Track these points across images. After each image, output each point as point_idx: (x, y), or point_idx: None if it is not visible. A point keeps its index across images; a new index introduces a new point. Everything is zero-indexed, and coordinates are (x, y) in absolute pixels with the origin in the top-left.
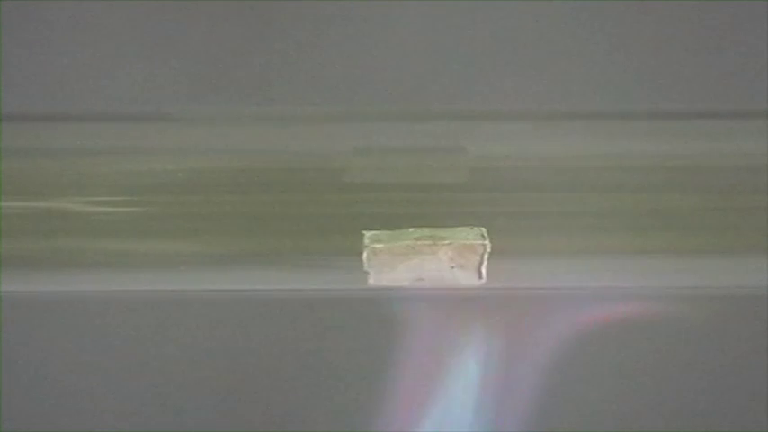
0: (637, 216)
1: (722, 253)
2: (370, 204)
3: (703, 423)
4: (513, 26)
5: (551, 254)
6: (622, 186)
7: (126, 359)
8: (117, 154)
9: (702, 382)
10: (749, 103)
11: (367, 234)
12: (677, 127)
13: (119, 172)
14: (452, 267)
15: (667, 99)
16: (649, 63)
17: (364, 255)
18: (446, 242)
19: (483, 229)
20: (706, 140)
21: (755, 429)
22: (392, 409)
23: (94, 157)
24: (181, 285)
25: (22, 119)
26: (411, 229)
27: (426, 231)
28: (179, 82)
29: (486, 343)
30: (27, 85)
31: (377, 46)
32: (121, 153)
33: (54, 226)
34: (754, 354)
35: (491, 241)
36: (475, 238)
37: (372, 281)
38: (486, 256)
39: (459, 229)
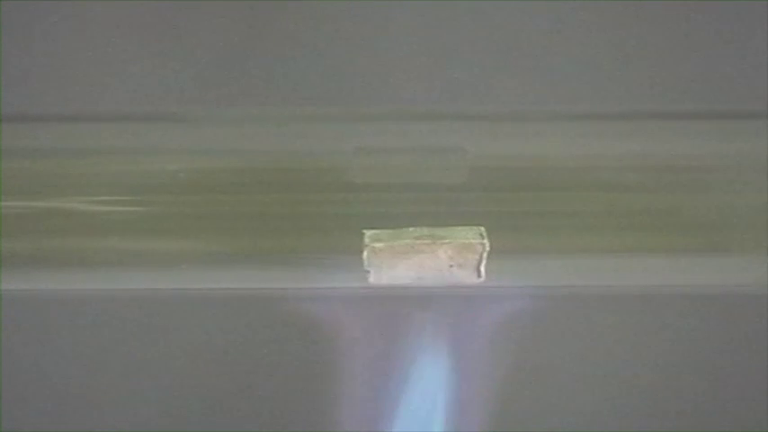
0: (635, 216)
1: (722, 252)
2: (370, 204)
3: (703, 423)
4: (512, 27)
5: (550, 253)
6: (621, 186)
7: (128, 358)
8: (119, 154)
9: (702, 382)
10: (749, 103)
11: (367, 233)
12: (676, 127)
13: (121, 172)
14: (451, 266)
15: (667, 100)
16: (649, 64)
17: (365, 254)
18: (445, 241)
19: (482, 228)
20: (706, 141)
21: (755, 429)
22: (392, 408)
23: (96, 157)
24: (183, 284)
25: (25, 119)
26: (411, 229)
27: (426, 231)
28: (181, 82)
29: (485, 342)
30: (30, 86)
31: (378, 47)
32: (123, 153)
33: (57, 225)
34: (753, 353)
35: (490, 240)
36: (474, 237)
37: (372, 279)
38: (484, 255)
39: (458, 228)
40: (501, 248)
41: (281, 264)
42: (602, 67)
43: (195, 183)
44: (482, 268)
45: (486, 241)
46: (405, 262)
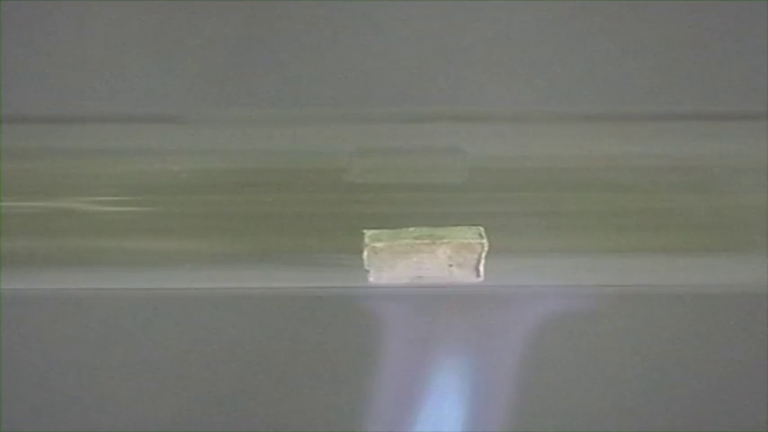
0: (634, 216)
1: (721, 252)
2: (370, 204)
3: (703, 423)
4: (512, 27)
5: (549, 252)
6: (620, 187)
7: (129, 357)
8: (121, 155)
9: (702, 382)
10: (749, 104)
11: (367, 233)
12: (676, 128)
13: (123, 172)
14: (451, 266)
15: (666, 100)
16: (648, 64)
17: (365, 253)
18: (445, 241)
19: (481, 228)
20: (704, 141)
21: (755, 429)
22: (392, 407)
23: (99, 157)
24: (184, 284)
25: (28, 120)
26: (411, 229)
27: (425, 230)
28: (182, 84)
29: (484, 340)
30: (32, 87)
31: (378, 48)
32: (126, 154)
33: (60, 225)
34: (753, 353)
35: (489, 240)
36: (473, 237)
37: (372, 279)
38: (483, 254)
39: (457, 228)
40: (500, 248)
41: (283, 263)
42: (601, 68)
43: (197, 183)
44: (481, 268)
45: (485, 241)
46: (404, 261)
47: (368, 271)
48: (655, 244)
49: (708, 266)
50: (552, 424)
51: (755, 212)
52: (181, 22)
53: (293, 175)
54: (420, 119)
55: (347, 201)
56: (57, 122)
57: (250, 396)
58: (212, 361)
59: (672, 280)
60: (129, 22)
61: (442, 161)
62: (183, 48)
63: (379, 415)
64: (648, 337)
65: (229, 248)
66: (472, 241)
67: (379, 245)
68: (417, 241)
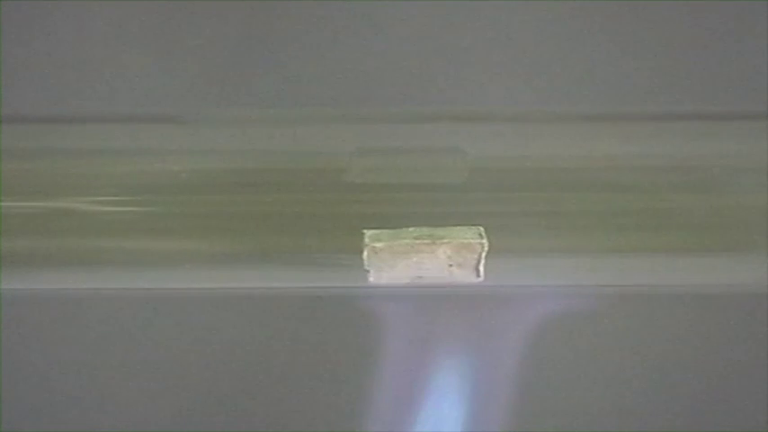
0: (633, 216)
1: (721, 252)
2: (370, 204)
3: (703, 423)
4: (511, 28)
5: (548, 252)
6: (619, 187)
7: (130, 357)
8: (122, 155)
9: (701, 382)
10: (749, 104)
11: (367, 233)
12: (675, 128)
13: (124, 173)
14: (451, 266)
15: (665, 100)
16: (648, 64)
17: (365, 253)
18: (445, 241)
19: (481, 228)
20: (704, 141)
21: (755, 429)
22: (392, 407)
23: (100, 158)
24: (185, 284)
25: (30, 121)
26: (411, 229)
27: (425, 230)
28: (183, 84)
29: (484, 340)
30: (33, 88)
31: (378, 49)
32: (126, 154)
33: (61, 225)
34: (753, 353)
35: (489, 240)
36: (473, 237)
37: (373, 279)
38: (483, 254)
39: (457, 228)
40: (500, 248)
41: (283, 263)
42: (601, 68)
43: (197, 183)
44: (481, 268)
45: (484, 241)
46: (404, 261)
47: (368, 271)
48: (655, 244)
49: (708, 266)
50: (552, 424)
51: (755, 212)
52: (181, 22)
53: (293, 175)
54: (420, 119)
55: (347, 201)
56: (57, 122)
57: (250, 396)
58: (212, 361)
59: (672, 280)
60: (130, 22)
61: (442, 161)
62: (184, 48)
63: (379, 415)
64: (648, 337)
65: (230, 248)
66: (472, 241)
67: (379, 245)
68: (417, 241)
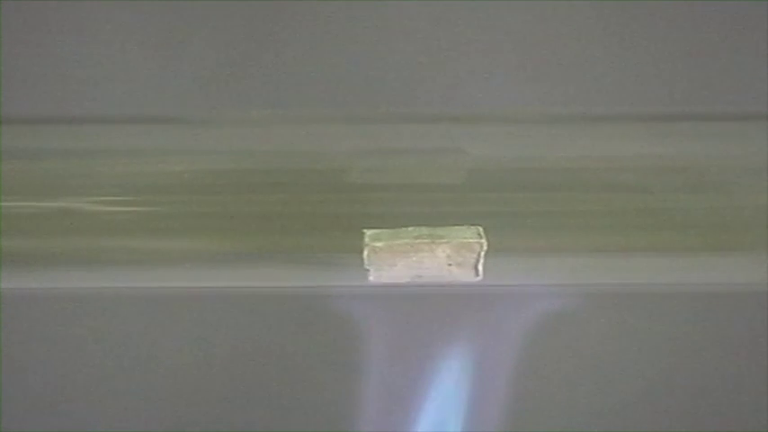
0: (633, 216)
1: (721, 252)
2: (370, 204)
3: (703, 422)
4: (510, 29)
5: (547, 252)
6: (616, 186)
7: (130, 356)
8: (125, 155)
9: (701, 381)
10: (749, 105)
11: (367, 233)
12: (674, 129)
13: (127, 173)
14: (450, 265)
15: (665, 101)
16: (647, 65)
17: (365, 253)
18: (444, 240)
19: (480, 227)
20: (704, 141)
21: (755, 429)
22: (392, 405)
23: (103, 158)
24: (187, 283)
25: (33, 121)
26: (410, 228)
27: (425, 230)
28: (185, 85)
29: (483, 339)
30: (35, 89)
31: (378, 50)
32: (129, 154)
33: (65, 225)
34: (753, 353)
35: (488, 239)
36: (472, 236)
37: (373, 278)
38: (482, 253)
39: (456, 227)
40: (499, 247)
41: (284, 262)
42: (600, 69)
43: (199, 183)
44: (480, 267)
45: (483, 240)
46: (404, 261)
47: (368, 270)
48: (654, 244)
49: (708, 266)
50: (551, 423)
51: (755, 212)
52: (182, 22)
53: (294, 176)
54: (419, 120)
55: (347, 201)
56: (61, 123)
57: (250, 395)
58: (213, 360)
59: (671, 280)
60: (131, 22)
61: (442, 161)
62: (185, 48)
63: (379, 414)
64: (647, 336)
65: (232, 247)
66: (471, 241)
67: (379, 244)
68: (417, 241)
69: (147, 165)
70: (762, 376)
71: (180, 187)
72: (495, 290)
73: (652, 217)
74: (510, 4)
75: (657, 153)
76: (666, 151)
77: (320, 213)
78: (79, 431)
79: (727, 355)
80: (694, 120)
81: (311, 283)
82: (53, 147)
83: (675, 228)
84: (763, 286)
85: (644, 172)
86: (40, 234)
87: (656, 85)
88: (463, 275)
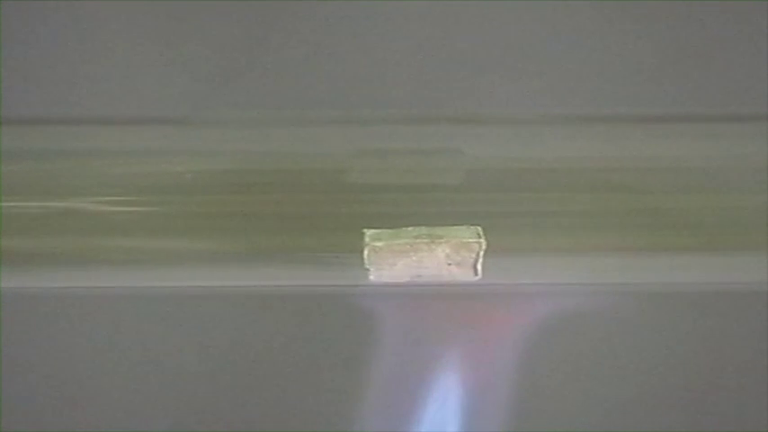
0: (629, 215)
1: (721, 252)
2: (370, 204)
3: (703, 422)
4: (509, 30)
5: (545, 251)
6: (614, 187)
7: (130, 355)
8: (128, 156)
9: (701, 380)
10: (749, 106)
11: (368, 233)
12: (673, 129)
13: (130, 173)
14: (449, 264)
15: (664, 102)
16: (645, 66)
17: (365, 252)
18: (443, 240)
19: (479, 227)
20: (699, 142)
21: (755, 429)
22: (392, 405)
23: (107, 159)
24: (190, 282)
25: (38, 122)
26: (410, 228)
27: (424, 230)
28: (186, 86)
29: (482, 338)
30: (38, 90)
31: (378, 52)
32: (132, 155)
33: (69, 225)
34: (753, 352)
35: (486, 239)
36: (471, 236)
37: (373, 277)
38: (481, 253)
39: (455, 227)
40: (497, 247)
41: (286, 262)
42: (599, 70)
43: (201, 184)
44: (479, 266)
45: (482, 240)
46: (404, 260)
47: (368, 269)
48: (654, 244)
49: (708, 266)
50: (550, 423)
51: (755, 212)
52: (184, 23)
53: (296, 176)
54: (419, 121)
55: (348, 201)
56: (66, 124)
57: (251, 394)
58: (214, 359)
59: (672, 280)
60: (132, 23)
61: (441, 162)
62: (187, 50)
63: (380, 414)
64: (647, 336)
65: (232, 248)
66: (470, 240)
67: (379, 244)
68: (417, 240)
69: (148, 165)
70: (762, 376)
71: (181, 187)
72: (494, 289)
73: (652, 217)
74: (509, 4)
75: (656, 153)
76: (665, 152)
77: (321, 213)
78: (79, 431)
79: (727, 355)
80: (694, 120)
81: (311, 283)
82: (54, 147)
83: (675, 228)
84: (763, 286)
85: (643, 172)
86: (41, 234)
87: (654, 85)
88: (462, 275)
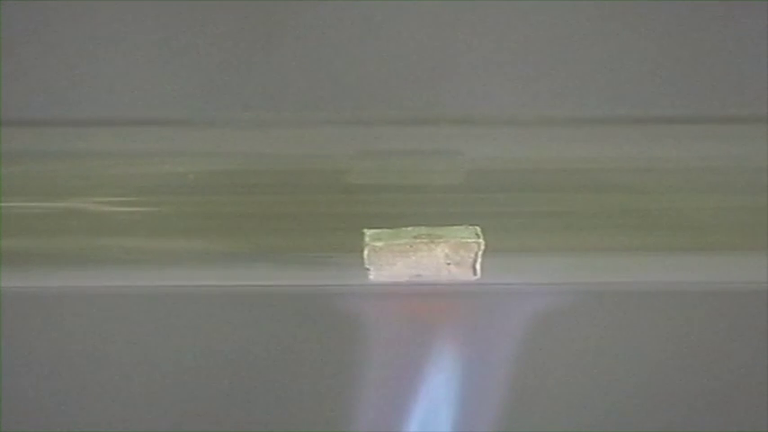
0: (628, 216)
1: (721, 252)
2: (370, 204)
3: (703, 422)
4: (508, 31)
5: (544, 251)
6: (613, 187)
7: (130, 355)
8: (131, 157)
9: (700, 380)
10: (749, 107)
11: (368, 232)
12: (673, 130)
13: (132, 174)
14: (448, 264)
15: (663, 103)
16: (644, 67)
17: (365, 252)
18: (442, 240)
19: (477, 227)
20: (699, 143)
21: (755, 429)
22: (392, 405)
23: (109, 159)
24: (193, 281)
25: (41, 123)
26: (409, 228)
27: (424, 230)
28: (187, 87)
29: (482, 338)
30: (40, 91)
31: (379, 53)
32: (135, 156)
33: (66, 225)
34: (753, 352)
35: (485, 239)
36: (470, 236)
37: (373, 277)
38: (480, 253)
39: (454, 227)
40: (496, 247)
41: (287, 261)
42: (598, 71)
43: (201, 184)
44: (477, 266)
45: (481, 240)
46: (403, 260)
47: (368, 269)
48: (654, 244)
49: (708, 266)
50: (548, 423)
51: (755, 212)
52: (185, 24)
53: (297, 177)
54: (419, 122)
55: (348, 201)
56: (69, 126)
57: (250, 394)
58: (213, 360)
59: (672, 279)
60: (133, 24)
61: (440, 163)
62: (188, 51)
63: (380, 414)
64: (648, 336)
65: (232, 248)
66: (469, 240)
67: (379, 244)
68: (416, 240)
69: (148, 166)
70: (762, 376)
71: (182, 188)
72: (492, 288)
73: (651, 217)
74: (509, 5)
75: (656, 154)
76: (665, 152)
77: (321, 213)
78: (79, 431)
79: (727, 354)
80: (693, 122)
81: (311, 283)
82: (54, 148)
83: (675, 228)
84: (763, 286)
85: (643, 173)
86: (41, 234)
87: (654, 86)
88: (461, 274)
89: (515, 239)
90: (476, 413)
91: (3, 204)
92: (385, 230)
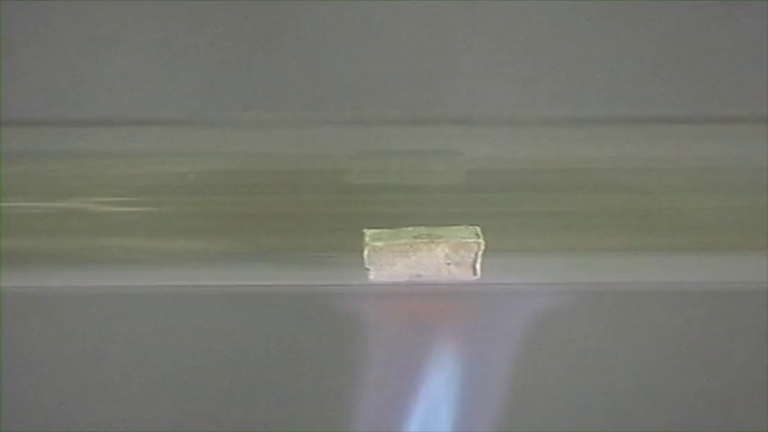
0: (628, 215)
1: (721, 252)
2: (371, 204)
3: (703, 422)
4: (508, 31)
5: (544, 251)
6: (613, 187)
7: (130, 355)
8: (131, 157)
9: (702, 381)
10: (749, 107)
11: (368, 232)
12: (672, 130)
13: (132, 174)
14: (448, 264)
15: (663, 103)
16: (643, 67)
17: (365, 252)
18: (442, 240)
19: (477, 227)
20: (698, 143)
21: (755, 429)
22: (392, 405)
23: (109, 159)
24: (193, 281)
25: (42, 123)
26: (410, 228)
27: (424, 230)
28: (188, 87)
29: (482, 338)
30: (41, 92)
31: (379, 53)
32: (135, 156)
33: (66, 225)
34: (753, 352)
35: (485, 239)
36: (470, 236)
37: (373, 277)
38: (480, 253)
39: (454, 227)
40: (496, 247)
41: (287, 261)
42: (598, 71)
43: (201, 184)
44: (477, 266)
45: (481, 240)
46: (403, 260)
47: (368, 269)
48: (654, 244)
49: (708, 266)
50: (548, 423)
51: (755, 212)
52: (185, 24)
53: (297, 177)
54: (419, 122)
55: (348, 201)
56: (69, 126)
57: (250, 394)
58: (213, 360)
59: (672, 280)
60: (133, 24)
61: (440, 163)
62: (189, 51)
63: (380, 414)
64: (648, 336)
65: (232, 248)
66: (469, 240)
67: (378, 244)
68: (416, 240)
69: (148, 166)
70: (762, 376)
71: (182, 188)
72: (492, 288)
73: (651, 217)
74: (509, 5)
75: (656, 154)
76: (665, 152)
77: (321, 213)
78: (79, 431)
79: (727, 354)
80: (693, 122)
81: (311, 283)
82: (55, 148)
83: (675, 228)
84: (763, 286)
85: (643, 173)
86: (41, 234)
87: (654, 86)
88: (461, 274)
89: (515, 239)
90: (476, 413)
91: (3, 204)
92: (385, 230)
